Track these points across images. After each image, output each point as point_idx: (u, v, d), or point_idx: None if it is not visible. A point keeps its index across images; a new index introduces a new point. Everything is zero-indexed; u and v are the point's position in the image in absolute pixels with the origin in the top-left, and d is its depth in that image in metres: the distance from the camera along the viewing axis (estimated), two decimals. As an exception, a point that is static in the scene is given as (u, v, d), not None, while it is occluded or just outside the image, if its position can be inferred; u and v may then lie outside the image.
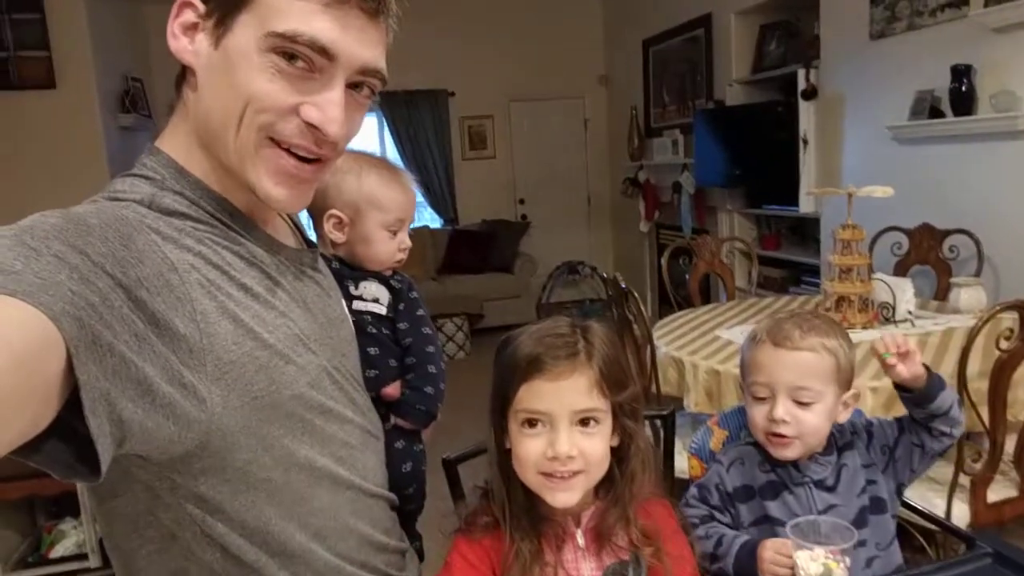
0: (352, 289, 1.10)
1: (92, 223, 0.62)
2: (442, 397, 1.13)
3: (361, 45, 0.73)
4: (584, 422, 0.87)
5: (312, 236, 1.03)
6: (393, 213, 1.12)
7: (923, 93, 3.13)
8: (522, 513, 0.91)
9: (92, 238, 0.60)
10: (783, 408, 1.07)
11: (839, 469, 1.12)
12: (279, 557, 0.77)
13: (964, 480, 1.77)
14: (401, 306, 1.14)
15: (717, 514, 1.15)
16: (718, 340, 2.39)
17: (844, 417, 1.13)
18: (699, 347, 2.33)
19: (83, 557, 2.55)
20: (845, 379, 1.11)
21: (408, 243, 1.16)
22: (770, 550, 1.01)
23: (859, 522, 1.09)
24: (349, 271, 1.12)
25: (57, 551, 2.59)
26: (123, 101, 4.82)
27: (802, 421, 1.07)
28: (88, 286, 0.55)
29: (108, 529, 0.77)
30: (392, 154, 6.17)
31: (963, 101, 2.92)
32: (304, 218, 1.04)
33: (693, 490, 1.19)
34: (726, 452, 1.20)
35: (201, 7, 0.72)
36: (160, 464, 0.68)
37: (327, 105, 0.72)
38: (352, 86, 0.75)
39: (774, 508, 1.11)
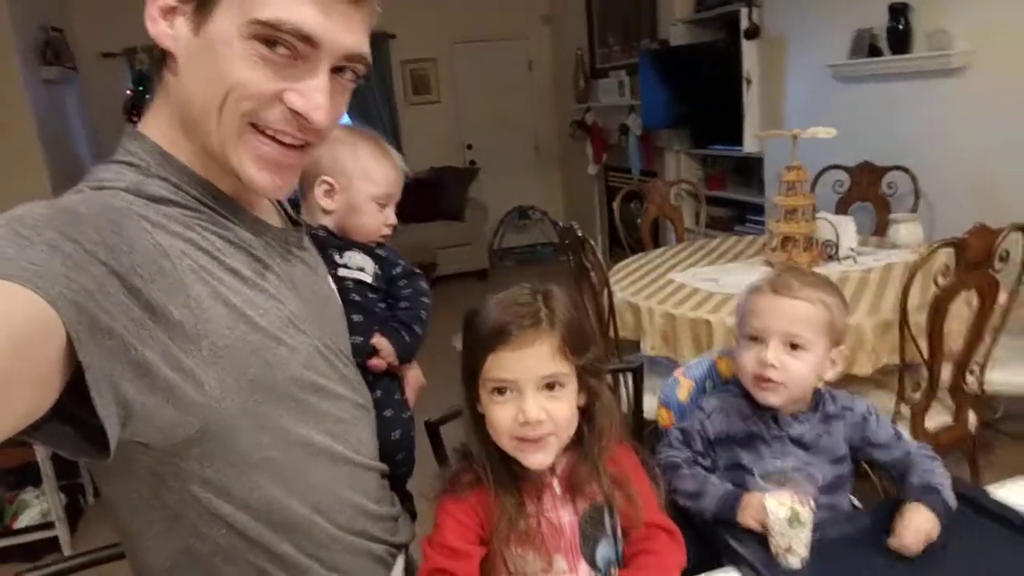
0: (337, 258, 1.12)
1: (81, 212, 0.62)
2: (418, 348, 1.18)
3: (345, 31, 0.71)
4: (550, 386, 0.91)
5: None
6: (383, 187, 1.16)
7: (862, 32, 3.18)
8: (502, 469, 0.95)
9: (83, 226, 0.60)
10: (773, 352, 1.13)
11: (818, 432, 1.16)
12: (282, 531, 0.80)
13: (905, 410, 1.89)
14: (397, 270, 1.19)
15: (699, 458, 1.21)
16: (671, 284, 2.46)
17: (830, 375, 1.19)
18: (654, 291, 2.40)
19: (50, 526, 2.54)
20: (836, 335, 1.17)
21: (394, 220, 1.20)
22: (756, 499, 1.06)
23: (834, 487, 1.14)
24: (334, 240, 1.15)
25: (21, 521, 2.58)
26: (44, 54, 4.54)
27: (790, 368, 1.13)
28: (83, 273, 0.56)
29: (114, 511, 0.79)
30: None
31: (900, 39, 2.99)
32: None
33: (676, 433, 1.24)
34: (709, 400, 1.25)
35: None
36: (163, 450, 0.70)
37: (311, 92, 0.71)
38: (336, 70, 0.74)
39: (745, 457, 1.17)
